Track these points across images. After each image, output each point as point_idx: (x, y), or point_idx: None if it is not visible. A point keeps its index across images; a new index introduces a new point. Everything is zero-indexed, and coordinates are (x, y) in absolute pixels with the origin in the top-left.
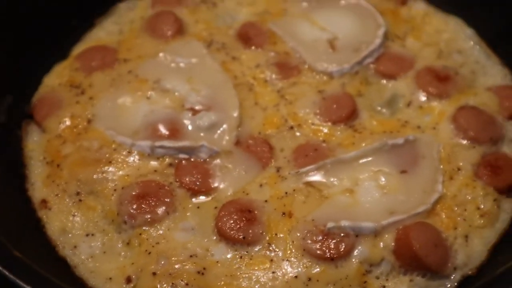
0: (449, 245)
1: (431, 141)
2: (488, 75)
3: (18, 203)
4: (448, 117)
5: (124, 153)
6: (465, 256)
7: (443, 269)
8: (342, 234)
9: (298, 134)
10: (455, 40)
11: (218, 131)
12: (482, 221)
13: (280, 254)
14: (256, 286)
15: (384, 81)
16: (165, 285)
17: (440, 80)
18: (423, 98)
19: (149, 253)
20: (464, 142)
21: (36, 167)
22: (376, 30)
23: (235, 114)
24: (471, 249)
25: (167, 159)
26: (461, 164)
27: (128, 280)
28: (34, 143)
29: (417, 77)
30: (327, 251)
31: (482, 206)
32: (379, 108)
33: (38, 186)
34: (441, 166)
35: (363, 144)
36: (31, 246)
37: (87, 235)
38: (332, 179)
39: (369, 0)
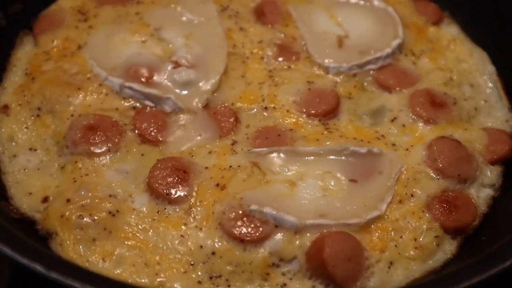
0: (366, 265)
1: (395, 160)
2: (491, 116)
3: None
4: (425, 142)
5: (95, 84)
6: (380, 281)
7: (348, 285)
8: (262, 220)
9: (269, 115)
10: (472, 73)
11: (191, 90)
12: (414, 253)
13: (196, 221)
14: (160, 245)
15: (378, 91)
16: (73, 214)
17: (433, 105)
18: (410, 117)
19: (75, 181)
20: (430, 171)
21: (15, 75)
22: (392, 40)
23: (214, 80)
24: (390, 277)
25: (132, 102)
26: (417, 191)
27: (45, 199)
28: (24, 53)
29: (412, 96)
30: (240, 231)
31: (421, 239)
32: (363, 116)
33: (8, 92)
34: (396, 187)
35: (327, 143)
36: None
37: (30, 149)
38: (280, 167)
39: (401, 10)
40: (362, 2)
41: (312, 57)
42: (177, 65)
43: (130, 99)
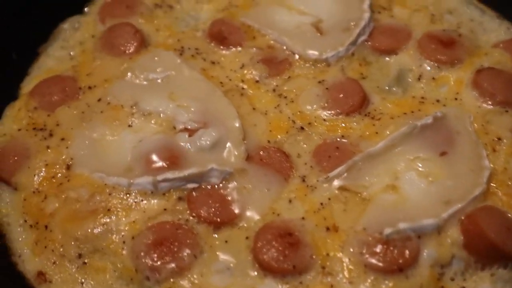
0: None
1: (460, 113)
2: (488, 31)
3: (9, 285)
4: (467, 84)
5: (122, 196)
6: None
7: None
8: (403, 239)
9: (311, 134)
10: (442, 0)
11: (224, 149)
12: None
13: (340, 276)
14: None
15: (385, 58)
16: None
17: (445, 46)
18: (433, 68)
19: None
20: (494, 107)
21: (18, 234)
22: (360, 3)
23: (237, 124)
24: None
25: (174, 194)
26: (499, 132)
27: None
28: (7, 205)
29: (419, 47)
30: (392, 261)
31: None
32: (387, 88)
33: (28, 256)
34: (479, 139)
35: (387, 132)
36: None
37: None
38: (367, 178)
39: None
40: None
41: (304, 56)
42: (190, 131)
43: (170, 191)
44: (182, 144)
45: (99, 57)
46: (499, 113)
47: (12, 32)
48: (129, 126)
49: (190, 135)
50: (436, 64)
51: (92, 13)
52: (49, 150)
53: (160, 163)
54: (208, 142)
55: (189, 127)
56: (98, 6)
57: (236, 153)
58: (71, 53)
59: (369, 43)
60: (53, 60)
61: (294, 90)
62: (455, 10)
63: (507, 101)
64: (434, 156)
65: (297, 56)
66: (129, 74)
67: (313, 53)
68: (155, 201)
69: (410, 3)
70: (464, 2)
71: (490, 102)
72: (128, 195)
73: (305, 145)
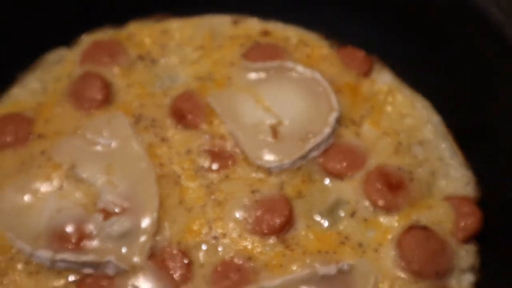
0: None
1: (368, 272)
2: (449, 178)
3: None
4: (393, 238)
5: (21, 264)
6: None
7: None
8: None
9: (222, 247)
10: (419, 128)
11: (131, 242)
12: None
13: None
14: None
15: (329, 180)
16: None
17: (391, 189)
18: (368, 209)
19: None
20: (406, 276)
21: None
22: (327, 115)
23: (152, 219)
24: None
25: (68, 275)
26: None
27: None
28: None
29: (366, 182)
30: None
31: None
32: (317, 216)
33: None
34: None
35: (293, 267)
36: None
37: None
38: None
39: (328, 69)
40: (288, 74)
41: (249, 159)
42: (106, 213)
43: (65, 271)
44: (92, 226)
45: (62, 105)
46: (409, 283)
47: None
48: (59, 189)
49: (104, 219)
50: (372, 207)
51: (77, 50)
52: None
53: (65, 240)
54: (116, 232)
55: (108, 209)
56: (86, 44)
57: (140, 249)
58: (45, 87)
59: (321, 160)
60: (25, 91)
61: (226, 193)
62: (428, 143)
63: (421, 273)
64: None
65: (242, 156)
66: (79, 132)
67: (258, 158)
68: (49, 278)
69: (384, 123)
70: (440, 136)
71: (404, 268)
72: (26, 264)
73: (213, 257)
